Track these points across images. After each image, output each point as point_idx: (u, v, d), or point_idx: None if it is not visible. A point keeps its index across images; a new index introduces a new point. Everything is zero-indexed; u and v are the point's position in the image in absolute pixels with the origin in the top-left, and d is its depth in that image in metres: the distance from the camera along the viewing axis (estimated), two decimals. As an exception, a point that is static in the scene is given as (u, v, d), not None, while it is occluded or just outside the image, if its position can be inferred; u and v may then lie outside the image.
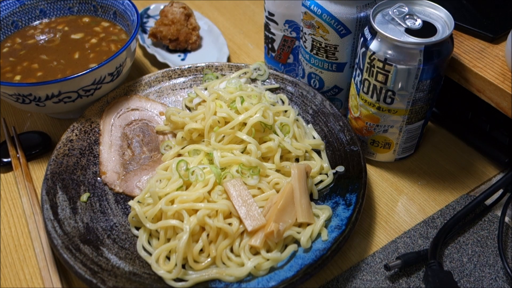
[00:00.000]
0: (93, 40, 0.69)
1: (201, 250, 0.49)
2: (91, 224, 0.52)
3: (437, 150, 0.64)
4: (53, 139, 0.65)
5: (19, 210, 0.57)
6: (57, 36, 0.70)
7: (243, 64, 0.68)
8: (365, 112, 0.57)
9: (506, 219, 0.55)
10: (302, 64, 0.64)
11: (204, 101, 0.63)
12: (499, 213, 0.55)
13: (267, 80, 0.66)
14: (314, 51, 0.60)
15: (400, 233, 0.54)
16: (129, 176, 0.58)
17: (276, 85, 0.66)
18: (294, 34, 0.66)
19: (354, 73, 0.57)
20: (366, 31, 0.52)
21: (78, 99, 0.60)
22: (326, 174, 0.57)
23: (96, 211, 0.53)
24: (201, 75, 0.68)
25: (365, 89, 0.55)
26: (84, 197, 0.54)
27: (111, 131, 0.61)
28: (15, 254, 0.53)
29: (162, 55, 0.77)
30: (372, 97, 0.54)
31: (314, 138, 0.61)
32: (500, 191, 0.57)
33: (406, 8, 0.52)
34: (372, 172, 0.61)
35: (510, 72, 0.53)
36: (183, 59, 0.78)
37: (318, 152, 0.59)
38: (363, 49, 0.52)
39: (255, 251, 0.50)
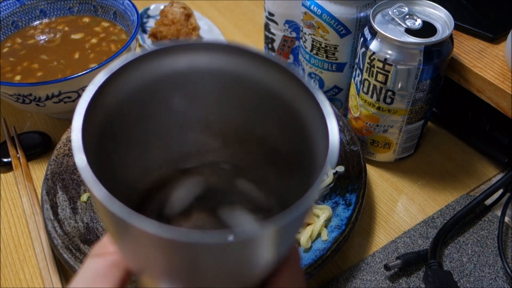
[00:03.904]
0: (93, 40, 0.69)
1: (201, 250, 0.49)
2: (91, 224, 0.52)
3: (437, 150, 0.64)
4: (53, 139, 0.65)
5: (19, 210, 0.57)
6: (57, 36, 0.70)
7: (243, 64, 0.68)
8: (365, 112, 0.57)
9: (506, 219, 0.55)
10: (302, 64, 0.64)
11: (204, 101, 0.63)
12: (499, 213, 0.55)
13: (267, 80, 0.66)
14: (314, 51, 0.60)
15: (400, 233, 0.54)
16: (129, 176, 0.58)
17: (276, 85, 0.66)
18: (294, 34, 0.66)
19: (354, 73, 0.57)
20: (366, 31, 0.52)
21: (78, 99, 0.60)
22: (326, 174, 0.57)
23: (96, 211, 0.53)
24: (201, 75, 0.67)
25: (365, 89, 0.55)
26: (84, 197, 0.54)
27: (111, 131, 0.61)
28: (15, 254, 0.53)
29: (162, 55, 0.77)
30: (372, 97, 0.54)
31: (314, 138, 0.61)
32: (500, 191, 0.57)
33: (406, 8, 0.52)
34: (372, 172, 0.61)
35: (510, 72, 0.53)
36: (183, 59, 0.78)
37: (318, 152, 0.59)
38: (363, 49, 0.52)
39: (255, 251, 0.50)
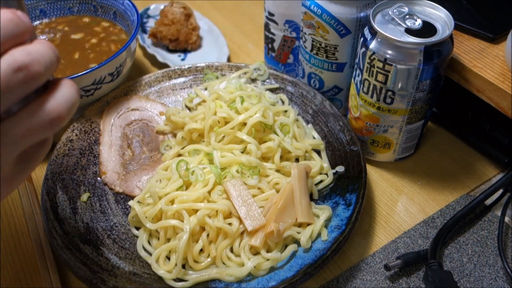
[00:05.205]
0: (93, 40, 0.69)
1: (201, 250, 0.49)
2: (91, 224, 0.52)
3: (437, 150, 0.64)
4: (53, 139, 0.65)
5: (19, 210, 0.57)
6: (57, 36, 0.70)
7: (243, 64, 0.68)
8: (365, 112, 0.57)
9: (506, 219, 0.55)
10: (302, 64, 0.64)
11: (204, 101, 0.63)
12: (499, 213, 0.55)
13: (267, 80, 0.67)
14: (314, 51, 0.60)
15: (400, 233, 0.54)
16: (129, 176, 0.58)
17: (276, 85, 0.66)
18: (294, 34, 0.66)
19: (354, 73, 0.57)
20: (366, 31, 0.52)
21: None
22: (326, 174, 0.57)
23: (96, 211, 0.53)
24: (201, 75, 0.68)
25: (365, 89, 0.55)
26: (84, 197, 0.54)
27: (111, 131, 0.61)
28: (15, 254, 0.53)
29: (162, 55, 0.77)
30: (372, 97, 0.54)
31: (314, 138, 0.61)
32: (500, 191, 0.57)
33: (406, 8, 0.52)
34: (372, 172, 0.61)
35: (510, 72, 0.53)
36: (183, 59, 0.78)
37: (318, 152, 0.59)
38: (363, 49, 0.52)
39: (255, 251, 0.50)
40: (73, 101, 0.32)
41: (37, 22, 0.73)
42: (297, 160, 0.59)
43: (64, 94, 0.31)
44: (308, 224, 0.51)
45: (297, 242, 0.50)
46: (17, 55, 0.28)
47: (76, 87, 0.32)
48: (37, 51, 0.29)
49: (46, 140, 0.34)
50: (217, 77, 0.67)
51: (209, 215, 0.49)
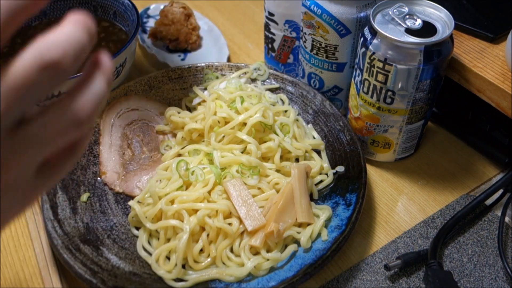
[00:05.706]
0: (93, 40, 0.69)
1: (201, 250, 0.49)
2: (91, 224, 0.52)
3: (437, 150, 0.64)
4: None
5: (19, 210, 0.57)
6: (57, 36, 0.70)
7: (243, 64, 0.68)
8: (365, 112, 0.57)
9: (506, 219, 0.55)
10: (302, 64, 0.64)
11: (204, 101, 0.63)
12: (499, 213, 0.55)
13: (267, 80, 0.66)
14: (314, 51, 0.60)
15: (400, 233, 0.54)
16: (129, 176, 0.58)
17: (276, 85, 0.66)
18: (294, 34, 0.66)
19: (354, 73, 0.57)
20: (366, 31, 0.52)
21: (78, 99, 0.60)
22: (326, 174, 0.57)
23: (96, 211, 0.53)
24: (201, 75, 0.68)
25: (365, 89, 0.55)
26: (84, 197, 0.54)
27: (111, 131, 0.61)
28: (15, 254, 0.53)
29: (162, 55, 0.77)
30: (372, 97, 0.54)
31: (314, 138, 0.61)
32: (500, 191, 0.57)
33: (406, 8, 0.52)
34: (372, 172, 0.61)
35: (510, 72, 0.53)
36: (183, 59, 0.78)
37: (318, 152, 0.59)
38: (363, 49, 0.52)
39: (255, 251, 0.50)
40: (103, 95, 0.26)
41: (37, 22, 0.73)
42: (297, 160, 0.59)
43: (96, 88, 0.26)
44: (308, 224, 0.51)
45: (297, 242, 0.50)
46: (43, 49, 0.23)
47: (109, 77, 0.27)
48: (65, 38, 0.23)
49: (74, 147, 0.28)
50: (217, 77, 0.67)
51: (209, 215, 0.49)
